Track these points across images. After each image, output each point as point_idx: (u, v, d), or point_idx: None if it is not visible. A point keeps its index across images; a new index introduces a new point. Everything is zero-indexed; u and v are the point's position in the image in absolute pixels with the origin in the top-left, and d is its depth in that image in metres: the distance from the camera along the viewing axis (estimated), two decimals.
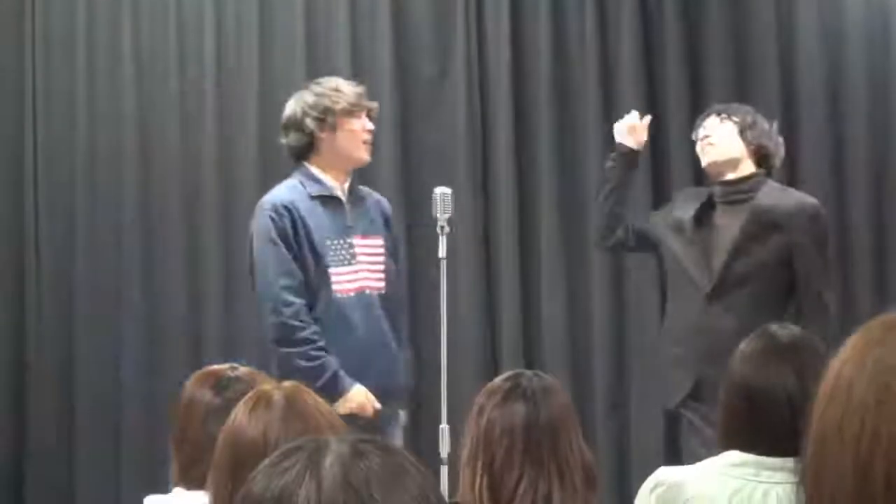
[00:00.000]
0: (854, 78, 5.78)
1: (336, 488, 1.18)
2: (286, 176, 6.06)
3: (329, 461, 1.21)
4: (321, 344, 4.18)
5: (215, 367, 2.77)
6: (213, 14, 6.17)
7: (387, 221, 4.49)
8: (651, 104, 5.88)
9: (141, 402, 6.04)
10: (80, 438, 6.14)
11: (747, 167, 4.52)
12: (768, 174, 4.56)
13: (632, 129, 4.73)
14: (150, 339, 6.12)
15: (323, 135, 4.34)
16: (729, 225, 4.46)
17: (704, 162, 4.56)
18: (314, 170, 4.37)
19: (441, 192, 4.32)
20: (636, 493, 2.64)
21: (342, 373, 4.16)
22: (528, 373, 2.65)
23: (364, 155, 4.42)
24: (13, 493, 6.17)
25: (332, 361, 4.16)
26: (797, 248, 4.39)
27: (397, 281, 4.48)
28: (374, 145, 6.01)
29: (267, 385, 2.37)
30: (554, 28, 5.97)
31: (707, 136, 4.56)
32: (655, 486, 2.57)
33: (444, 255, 4.18)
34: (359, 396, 4.18)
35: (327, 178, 4.36)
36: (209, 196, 6.11)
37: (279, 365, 4.17)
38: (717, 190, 4.54)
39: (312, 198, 4.32)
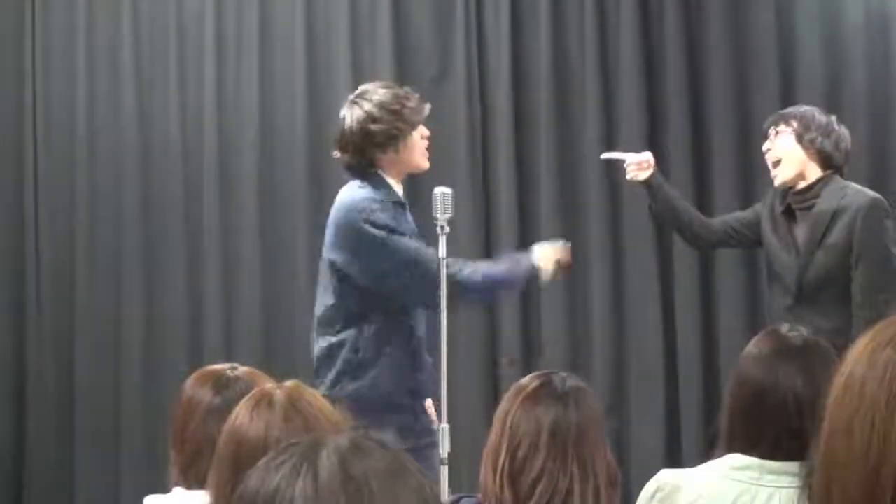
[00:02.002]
0: (854, 78, 5.77)
1: (334, 481, 1.17)
2: (285, 176, 6.11)
3: (326, 454, 1.19)
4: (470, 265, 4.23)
5: (215, 366, 2.76)
6: (213, 14, 6.18)
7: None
8: (651, 104, 5.89)
9: (141, 402, 6.05)
10: (80, 439, 6.14)
11: (814, 172, 4.48)
12: (839, 171, 4.53)
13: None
14: (150, 340, 6.13)
15: (388, 155, 4.25)
16: (802, 234, 4.47)
17: (776, 182, 4.55)
18: (384, 175, 4.28)
19: (441, 192, 4.30)
20: (636, 494, 2.62)
21: (505, 264, 4.22)
22: (562, 373, 2.64)
23: (426, 163, 4.37)
24: (13, 493, 6.17)
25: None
26: (853, 242, 4.39)
27: None
28: None
29: (268, 384, 2.37)
30: (554, 28, 5.97)
31: (769, 151, 4.54)
32: (656, 491, 2.56)
33: (444, 255, 4.16)
34: (546, 251, 4.26)
35: (394, 184, 4.30)
36: (209, 196, 6.11)
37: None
38: (791, 198, 4.54)
39: (389, 203, 4.27)
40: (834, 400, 1.35)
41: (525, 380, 2.63)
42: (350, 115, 4.27)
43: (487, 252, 5.97)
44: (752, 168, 5.55)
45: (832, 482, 1.33)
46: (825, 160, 4.49)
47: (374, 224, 4.14)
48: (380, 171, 4.27)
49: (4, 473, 6.18)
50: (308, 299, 6.01)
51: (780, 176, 4.52)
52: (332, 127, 6.05)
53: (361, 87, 4.37)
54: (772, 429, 2.48)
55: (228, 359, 3.20)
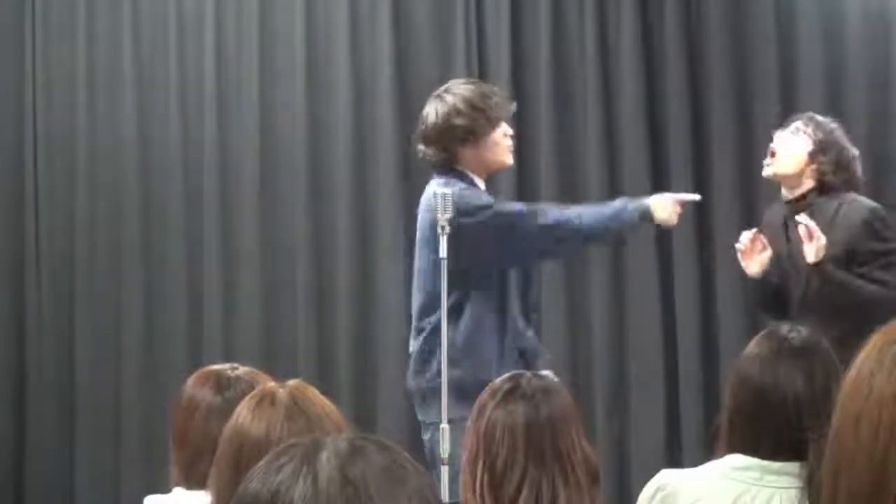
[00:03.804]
0: (854, 78, 5.77)
1: (333, 484, 1.17)
2: (285, 176, 6.11)
3: (326, 457, 1.19)
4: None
5: (216, 366, 2.76)
6: (213, 14, 6.18)
7: None
8: (651, 105, 5.89)
9: (141, 402, 6.05)
10: (80, 439, 6.14)
11: (806, 185, 4.42)
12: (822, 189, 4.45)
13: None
14: (150, 340, 6.13)
15: (468, 150, 4.31)
16: (801, 247, 4.43)
17: (764, 173, 4.52)
18: (469, 173, 4.34)
19: (441, 192, 4.32)
20: (636, 496, 2.63)
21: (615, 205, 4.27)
22: (528, 373, 2.65)
23: (510, 160, 4.47)
24: (13, 493, 6.17)
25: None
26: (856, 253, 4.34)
27: None
28: (374, 145, 6.07)
29: (270, 384, 2.37)
30: (554, 28, 5.97)
31: (774, 146, 4.49)
32: (657, 491, 2.57)
33: (445, 255, 4.16)
34: (660, 203, 4.28)
35: (477, 180, 4.36)
36: (209, 196, 6.11)
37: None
38: (785, 207, 4.51)
39: None
40: (843, 396, 1.37)
41: (496, 383, 2.63)
42: (434, 109, 4.34)
43: None
44: (752, 168, 5.53)
45: (840, 477, 1.34)
46: (820, 181, 4.45)
47: (467, 194, 4.21)
48: (462, 169, 4.34)
49: (4, 473, 6.18)
50: (308, 299, 6.04)
51: (772, 168, 4.49)
52: (331, 127, 6.11)
53: (447, 84, 4.46)
54: (772, 429, 2.48)
55: (228, 359, 3.19)
